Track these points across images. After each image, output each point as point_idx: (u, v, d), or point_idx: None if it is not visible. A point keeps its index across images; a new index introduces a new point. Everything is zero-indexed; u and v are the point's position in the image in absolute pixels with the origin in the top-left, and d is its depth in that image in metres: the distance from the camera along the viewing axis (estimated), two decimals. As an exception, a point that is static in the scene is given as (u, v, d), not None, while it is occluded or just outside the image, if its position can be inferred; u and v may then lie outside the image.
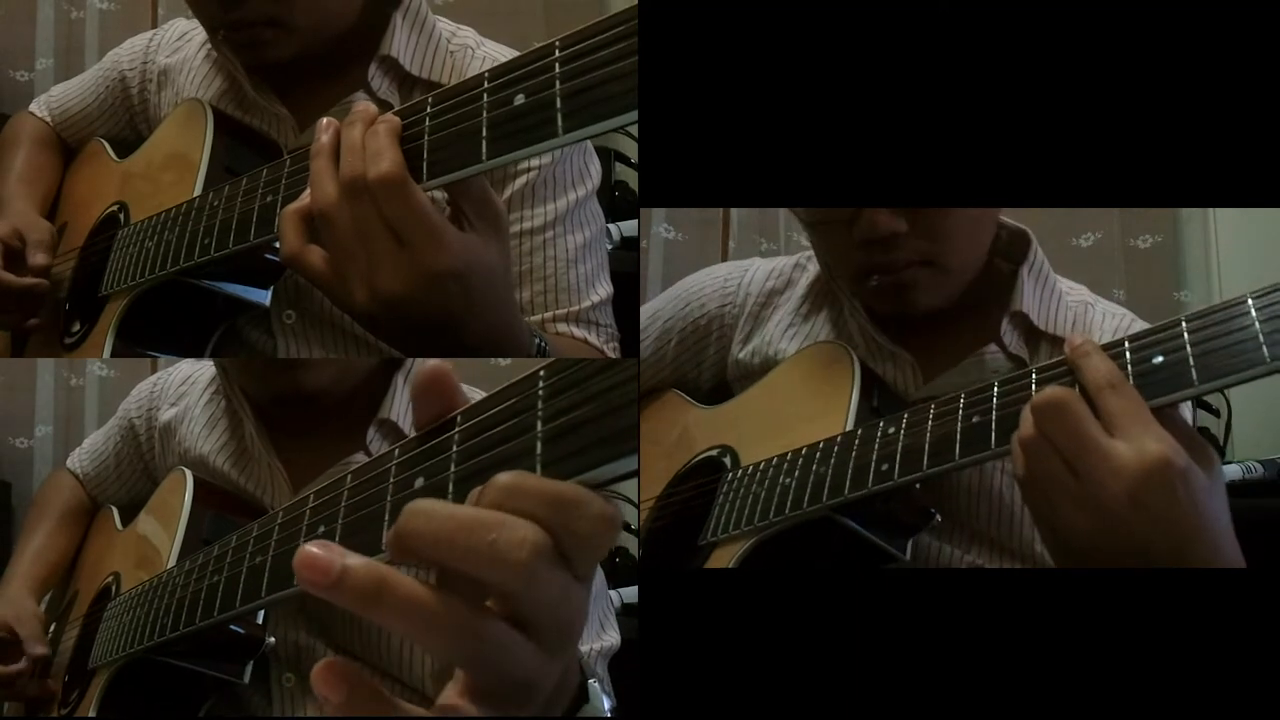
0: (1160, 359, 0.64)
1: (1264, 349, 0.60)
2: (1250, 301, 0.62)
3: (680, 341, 1.05)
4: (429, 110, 0.64)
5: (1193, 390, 0.62)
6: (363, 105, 0.67)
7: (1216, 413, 1.74)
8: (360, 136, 0.65)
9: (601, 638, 0.92)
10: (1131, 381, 0.64)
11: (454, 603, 0.41)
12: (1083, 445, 0.62)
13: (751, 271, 1.05)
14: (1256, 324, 0.61)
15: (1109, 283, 1.94)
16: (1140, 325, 0.91)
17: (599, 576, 0.94)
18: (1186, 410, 0.90)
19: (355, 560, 0.41)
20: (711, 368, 1.04)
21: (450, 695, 0.44)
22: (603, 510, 0.42)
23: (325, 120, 0.67)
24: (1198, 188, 0.81)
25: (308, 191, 0.67)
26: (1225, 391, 1.73)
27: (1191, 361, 0.62)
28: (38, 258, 0.95)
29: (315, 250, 0.67)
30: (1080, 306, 0.91)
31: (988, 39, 0.80)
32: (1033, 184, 0.81)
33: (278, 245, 0.69)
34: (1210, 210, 1.98)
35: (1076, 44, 0.80)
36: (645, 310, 1.09)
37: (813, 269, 1.01)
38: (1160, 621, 0.70)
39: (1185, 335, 0.63)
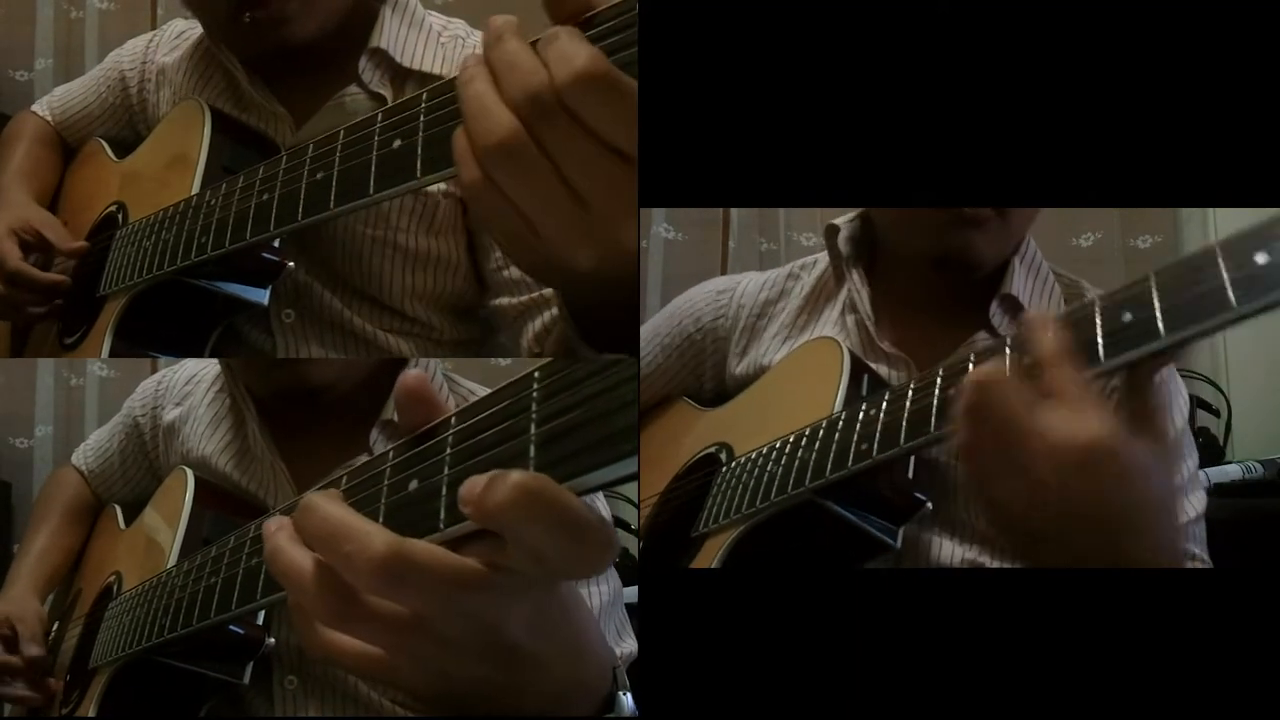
0: (1129, 316, 0.63)
1: (1230, 294, 0.58)
2: (1219, 249, 0.60)
3: (679, 355, 1.07)
4: (423, 105, 0.63)
5: (1159, 342, 0.61)
6: (501, 19, 0.52)
7: (1216, 413, 1.74)
8: (523, 51, 0.50)
9: (619, 646, 0.92)
10: (1102, 341, 0.63)
11: (330, 574, 0.46)
12: (1012, 422, 0.62)
13: (744, 284, 1.06)
14: (1224, 272, 0.59)
15: (1109, 283, 1.92)
16: None
17: (615, 583, 0.93)
18: (1182, 406, 0.90)
19: (282, 530, 0.48)
20: (712, 379, 1.06)
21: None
22: (604, 538, 0.43)
23: (467, 57, 0.53)
24: (1198, 188, 0.81)
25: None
26: (1225, 391, 1.74)
27: (1159, 315, 0.61)
28: (71, 246, 0.95)
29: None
30: (1075, 298, 0.92)
31: (987, 39, 0.80)
32: (1033, 184, 0.81)
33: (457, 178, 0.53)
34: (1210, 210, 1.97)
35: (1077, 44, 0.80)
36: (645, 327, 1.11)
37: (807, 279, 1.02)
38: (1159, 622, 0.70)
39: (1154, 290, 0.62)
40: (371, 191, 0.64)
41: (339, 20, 0.90)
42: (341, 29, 0.91)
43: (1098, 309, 0.65)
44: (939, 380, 0.73)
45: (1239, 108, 0.78)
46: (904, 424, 0.75)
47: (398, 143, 0.63)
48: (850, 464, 0.77)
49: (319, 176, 0.69)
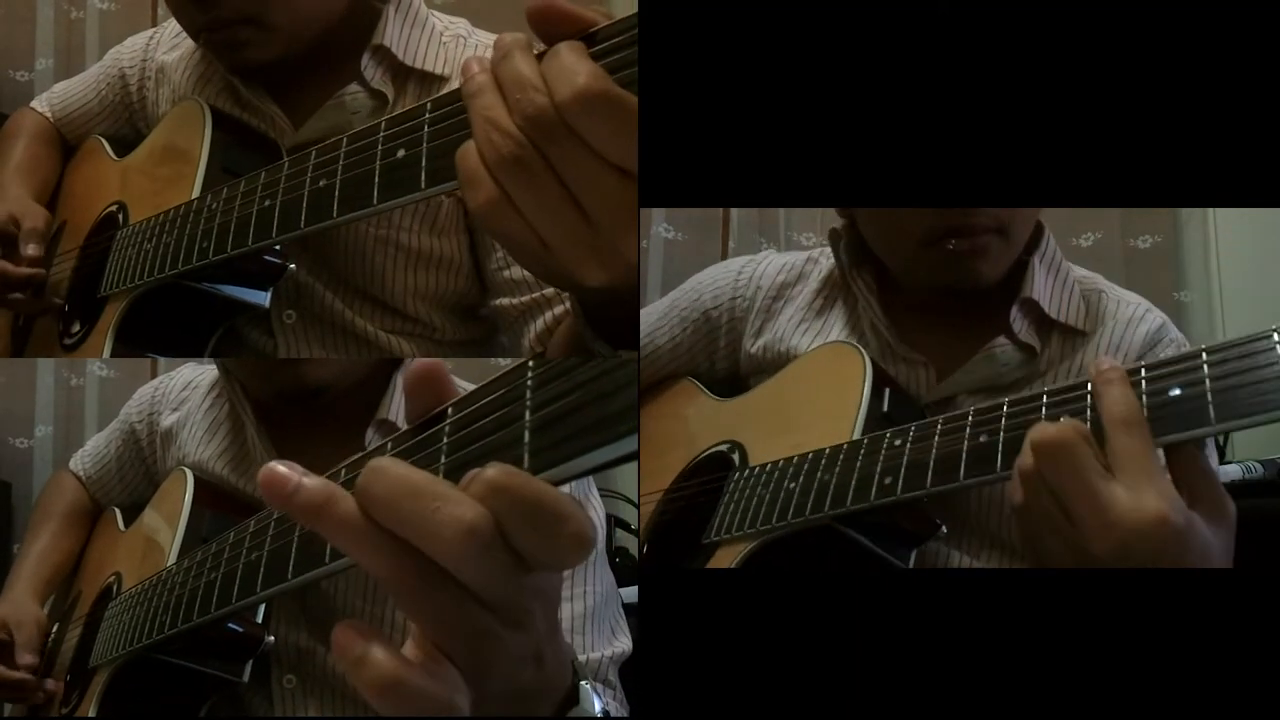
0: (1177, 391, 0.60)
1: None
2: (1276, 337, 0.58)
3: (694, 331, 1.06)
4: (428, 116, 0.62)
5: (1209, 429, 0.59)
6: (509, 36, 0.52)
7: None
8: (528, 68, 0.50)
9: (613, 644, 0.92)
10: (1146, 413, 0.61)
11: (394, 535, 0.42)
12: (1079, 491, 0.59)
13: (763, 265, 1.05)
14: None
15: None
16: (1156, 314, 0.91)
17: (609, 581, 0.93)
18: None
19: (311, 479, 0.43)
20: (725, 359, 1.05)
21: (410, 647, 0.45)
22: (579, 530, 0.42)
23: (467, 62, 0.53)
24: (1198, 188, 0.81)
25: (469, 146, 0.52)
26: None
27: (1210, 398, 0.59)
28: (29, 249, 0.95)
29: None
30: (1094, 294, 0.91)
31: (987, 40, 0.80)
32: (1033, 184, 0.81)
33: (461, 195, 0.53)
34: (1210, 210, 1.98)
35: (1077, 45, 0.80)
36: (662, 301, 1.10)
37: (825, 263, 1.01)
38: (1159, 622, 0.70)
39: (1205, 369, 0.60)
40: (375, 201, 0.64)
41: (317, 33, 0.90)
42: (341, 30, 0.91)
43: (1143, 379, 0.62)
44: (969, 423, 0.72)
45: (1239, 108, 0.78)
46: (931, 466, 0.73)
47: (401, 152, 0.62)
48: (873, 497, 0.76)
49: (321, 184, 0.69)
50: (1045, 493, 0.61)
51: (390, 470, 0.43)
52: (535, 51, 0.51)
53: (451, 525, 0.41)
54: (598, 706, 0.53)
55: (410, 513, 0.42)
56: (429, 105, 0.61)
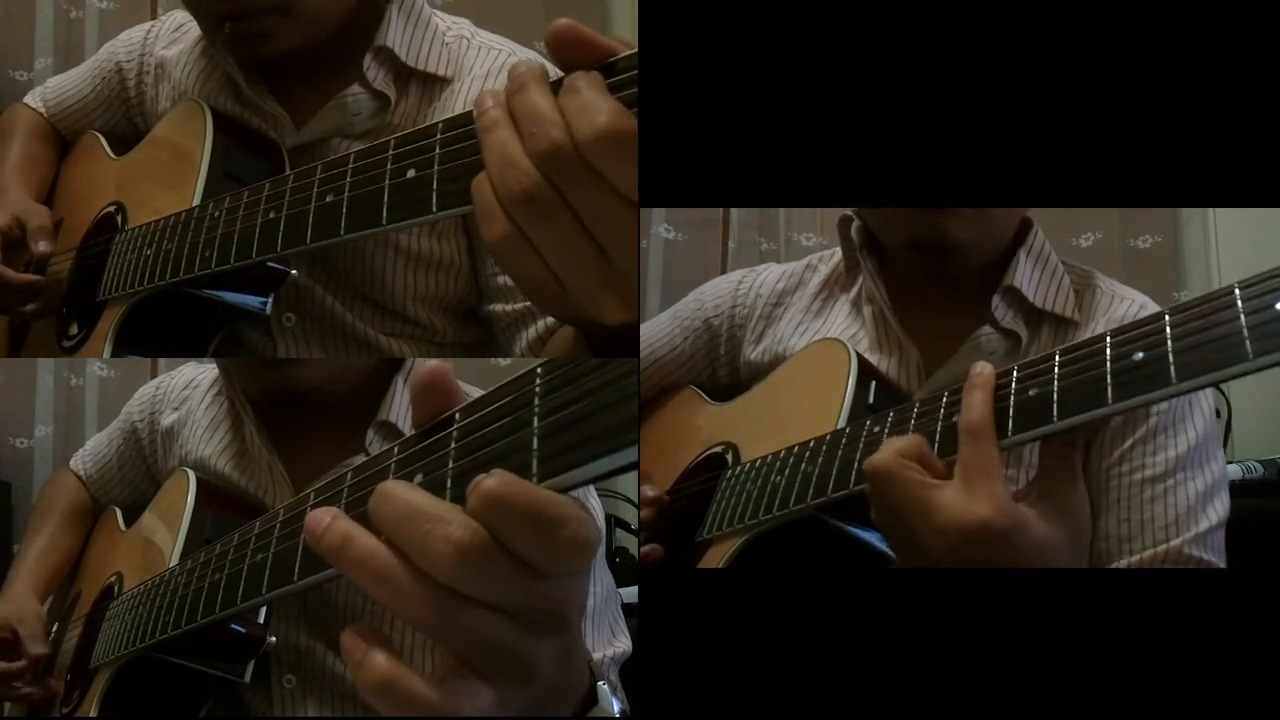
0: (1140, 355, 0.60)
1: (1248, 344, 0.55)
2: (1238, 292, 0.57)
3: (694, 340, 1.07)
4: (439, 137, 0.61)
5: (1170, 389, 0.58)
6: (525, 66, 0.52)
7: (1217, 413, 1.74)
8: (544, 101, 0.50)
9: (613, 644, 0.92)
10: (1110, 381, 0.61)
11: (410, 565, 0.43)
12: (908, 507, 0.66)
13: (764, 274, 1.07)
14: (1242, 317, 0.56)
15: (1109, 282, 1.95)
16: (1152, 308, 0.91)
17: (608, 582, 0.93)
18: (1206, 404, 0.89)
19: (338, 521, 0.45)
20: (725, 367, 1.06)
21: (442, 667, 0.45)
22: (576, 534, 0.43)
23: (481, 95, 0.53)
24: (1198, 188, 0.81)
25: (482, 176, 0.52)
26: (1225, 391, 1.74)
27: (1171, 359, 0.58)
28: (40, 246, 0.95)
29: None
30: (1086, 288, 0.91)
31: (987, 39, 0.81)
32: (1033, 184, 0.81)
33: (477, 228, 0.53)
34: (1210, 210, 1.98)
35: (1077, 44, 0.80)
36: (665, 314, 1.12)
37: (824, 269, 1.02)
38: (1159, 622, 0.70)
39: (1168, 330, 0.59)
40: (384, 221, 0.63)
41: (333, 27, 0.90)
42: (345, 30, 0.91)
43: (1108, 345, 0.62)
44: (944, 404, 0.72)
45: (1239, 108, 0.78)
46: None
47: (411, 172, 0.61)
48: (852, 484, 0.76)
49: (328, 200, 0.68)
50: (885, 508, 0.68)
51: (393, 494, 0.45)
52: (552, 79, 0.51)
53: (442, 546, 0.42)
54: (616, 708, 0.54)
55: (408, 535, 0.43)
56: (440, 125, 0.60)
